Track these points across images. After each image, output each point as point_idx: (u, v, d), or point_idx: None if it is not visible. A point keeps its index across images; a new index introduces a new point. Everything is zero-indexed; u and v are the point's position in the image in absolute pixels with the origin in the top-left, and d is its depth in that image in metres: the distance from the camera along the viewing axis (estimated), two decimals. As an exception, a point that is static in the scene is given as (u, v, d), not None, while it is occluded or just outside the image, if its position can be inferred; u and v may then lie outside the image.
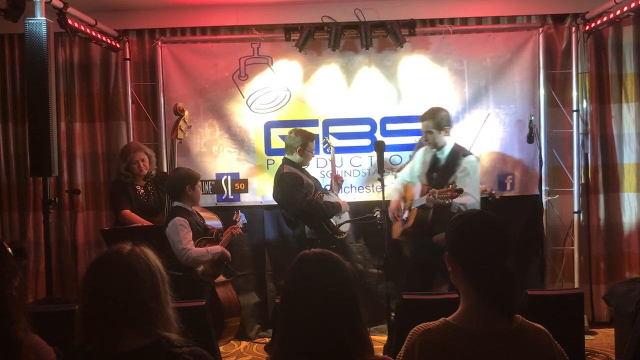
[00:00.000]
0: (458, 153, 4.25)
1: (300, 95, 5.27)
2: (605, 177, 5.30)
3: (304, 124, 5.21)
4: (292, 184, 4.36)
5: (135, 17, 5.33)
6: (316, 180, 4.65)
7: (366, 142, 5.09)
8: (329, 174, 5.06)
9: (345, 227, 4.50)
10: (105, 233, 4.49)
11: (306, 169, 4.60)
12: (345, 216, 4.55)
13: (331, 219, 4.43)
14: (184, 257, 4.08)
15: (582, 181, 5.23)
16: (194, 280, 4.17)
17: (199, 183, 4.35)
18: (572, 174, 5.16)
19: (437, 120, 4.21)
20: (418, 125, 5.14)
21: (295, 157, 4.48)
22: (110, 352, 1.64)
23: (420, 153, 4.44)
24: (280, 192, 4.46)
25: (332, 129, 5.24)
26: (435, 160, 4.26)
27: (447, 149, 4.25)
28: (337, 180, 4.76)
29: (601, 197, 5.29)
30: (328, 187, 4.85)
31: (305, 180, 4.41)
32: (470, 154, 4.32)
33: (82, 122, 5.43)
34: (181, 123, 4.82)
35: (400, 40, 4.93)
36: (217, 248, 4.27)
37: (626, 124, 5.27)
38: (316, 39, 5.06)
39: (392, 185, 4.53)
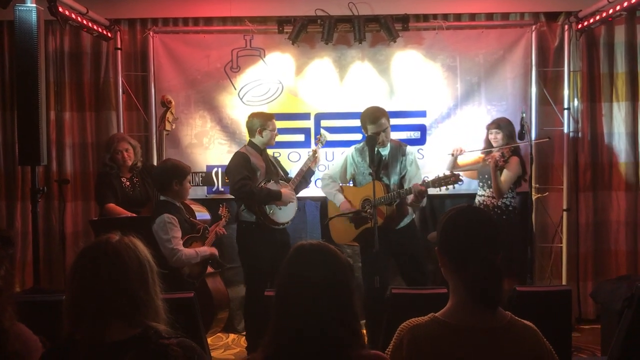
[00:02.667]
0: (398, 147, 4.37)
1: (292, 89, 5.26)
2: (595, 175, 5.33)
3: (296, 117, 5.23)
4: (236, 164, 4.41)
5: (127, 7, 5.29)
6: (274, 165, 4.58)
7: (357, 136, 5.08)
8: (318, 168, 5.01)
9: (286, 218, 4.45)
10: (93, 223, 4.46)
11: (278, 156, 4.79)
12: (292, 207, 4.49)
13: (276, 207, 4.40)
14: (173, 257, 3.90)
15: (572, 179, 5.26)
16: (180, 280, 4.03)
17: (188, 178, 4.12)
18: (562, 172, 5.19)
19: (386, 115, 4.30)
20: (412, 121, 5.23)
21: (257, 139, 4.47)
22: (98, 341, 1.63)
23: (350, 154, 4.48)
24: (226, 170, 4.57)
25: (324, 123, 5.24)
26: (380, 157, 4.29)
27: (388, 145, 4.34)
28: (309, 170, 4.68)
29: (590, 196, 5.33)
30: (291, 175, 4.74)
31: (253, 163, 4.39)
32: (406, 145, 4.46)
33: (72, 112, 5.39)
34: (168, 115, 4.77)
35: (393, 35, 4.93)
36: (205, 250, 4.11)
37: (616, 123, 5.30)
38: (309, 32, 5.05)
39: (325, 188, 4.52)
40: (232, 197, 5.05)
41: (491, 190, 4.56)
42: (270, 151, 4.89)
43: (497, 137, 4.60)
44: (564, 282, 5.11)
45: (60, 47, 5.35)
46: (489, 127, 4.68)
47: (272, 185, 4.41)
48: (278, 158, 4.92)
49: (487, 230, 1.79)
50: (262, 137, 4.45)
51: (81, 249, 1.74)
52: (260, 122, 4.44)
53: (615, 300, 3.96)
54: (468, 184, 4.94)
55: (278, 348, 1.62)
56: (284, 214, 4.45)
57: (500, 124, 4.62)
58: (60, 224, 5.22)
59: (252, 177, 4.38)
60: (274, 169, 4.54)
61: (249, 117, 4.55)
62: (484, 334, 1.70)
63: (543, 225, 5.31)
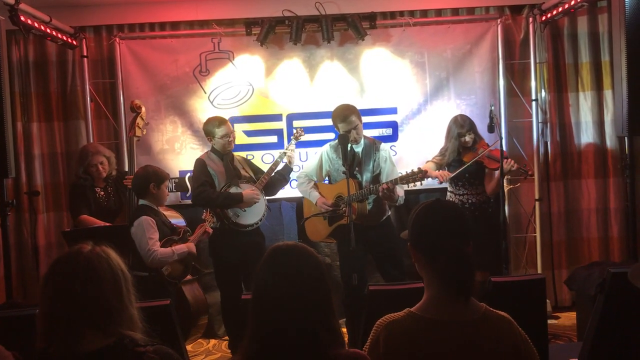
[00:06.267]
0: (372, 144, 4.39)
1: (263, 90, 5.25)
2: (565, 164, 5.42)
3: (268, 118, 5.22)
4: (194, 171, 4.46)
5: (92, 13, 5.22)
6: (236, 169, 4.51)
7: (330, 135, 5.09)
8: (292, 169, 4.99)
9: (252, 219, 4.41)
10: (66, 234, 4.40)
11: (252, 158, 4.78)
12: (258, 207, 4.43)
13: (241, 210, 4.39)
14: (149, 258, 3.93)
15: (542, 169, 5.34)
16: (160, 281, 4.04)
17: (166, 183, 4.19)
18: (533, 162, 5.26)
19: (356, 113, 4.31)
20: (383, 118, 5.25)
21: (214, 145, 4.47)
22: (72, 352, 1.61)
23: (325, 151, 4.50)
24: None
25: (296, 123, 5.23)
26: (353, 154, 4.31)
27: (362, 142, 4.36)
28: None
29: (561, 185, 5.41)
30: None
31: (210, 169, 4.41)
32: (380, 142, 4.47)
33: (40, 122, 5.31)
34: (138, 120, 4.72)
35: (361, 33, 4.95)
36: (182, 248, 4.10)
37: (583, 112, 5.39)
38: (277, 33, 5.04)
39: (301, 186, 4.52)
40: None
41: (473, 187, 4.53)
42: (243, 153, 4.89)
43: (469, 138, 4.50)
44: (539, 271, 5.19)
45: (25, 57, 5.26)
46: (461, 134, 4.47)
47: (233, 190, 4.38)
48: (252, 160, 4.89)
49: (455, 222, 1.81)
50: (212, 144, 4.46)
51: (53, 261, 1.72)
52: (208, 130, 4.45)
53: (588, 287, 4.04)
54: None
55: (257, 349, 1.61)
56: (250, 216, 4.42)
57: (471, 125, 4.53)
58: (32, 237, 5.15)
59: (211, 182, 4.39)
60: (235, 172, 4.49)
61: (204, 124, 4.54)
62: (459, 326, 1.72)
63: (516, 216, 5.38)
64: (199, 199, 4.36)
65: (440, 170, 4.51)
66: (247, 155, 4.95)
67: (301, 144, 5.14)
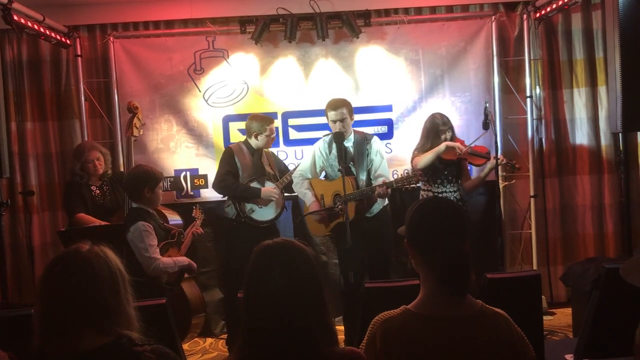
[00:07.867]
0: (362, 137, 4.41)
1: (258, 88, 5.24)
2: (559, 161, 5.44)
3: (263, 117, 5.20)
4: (221, 159, 4.59)
5: (86, 12, 5.20)
6: (263, 166, 4.57)
7: (325, 133, 5.08)
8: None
9: (265, 216, 4.47)
10: (61, 234, 4.36)
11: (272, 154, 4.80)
12: (273, 206, 4.50)
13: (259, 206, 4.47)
14: (151, 266, 3.87)
15: (537, 166, 5.35)
16: (158, 287, 3.98)
17: (160, 184, 4.12)
18: (528, 159, 5.28)
19: (349, 107, 4.35)
20: (378, 115, 5.25)
21: (253, 141, 4.55)
22: (70, 352, 1.61)
23: (318, 147, 4.51)
24: None
25: (292, 122, 5.23)
26: (344, 149, 4.32)
27: (351, 137, 4.38)
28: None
29: (556, 181, 5.43)
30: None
31: (237, 160, 4.48)
32: (372, 136, 4.48)
33: (34, 122, 5.29)
34: (135, 120, 4.72)
35: (356, 31, 4.95)
36: (184, 260, 4.11)
37: (577, 108, 5.40)
38: (272, 31, 5.04)
39: (296, 187, 4.53)
40: (203, 200, 5.08)
41: (452, 184, 4.47)
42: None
43: (449, 136, 4.46)
44: (534, 267, 5.20)
45: (18, 56, 5.24)
46: (443, 131, 4.43)
47: (254, 184, 4.46)
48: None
49: (452, 219, 1.81)
50: (257, 140, 4.53)
51: (51, 260, 1.71)
52: (258, 126, 4.50)
53: (584, 282, 4.06)
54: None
55: (251, 348, 1.60)
56: (263, 213, 4.49)
57: (450, 123, 4.51)
58: (27, 237, 5.12)
59: (235, 173, 4.49)
60: (262, 170, 4.56)
61: (249, 119, 4.63)
62: (455, 323, 1.72)
63: (512, 213, 5.39)
64: (219, 186, 4.50)
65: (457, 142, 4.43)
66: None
67: (296, 142, 5.15)
